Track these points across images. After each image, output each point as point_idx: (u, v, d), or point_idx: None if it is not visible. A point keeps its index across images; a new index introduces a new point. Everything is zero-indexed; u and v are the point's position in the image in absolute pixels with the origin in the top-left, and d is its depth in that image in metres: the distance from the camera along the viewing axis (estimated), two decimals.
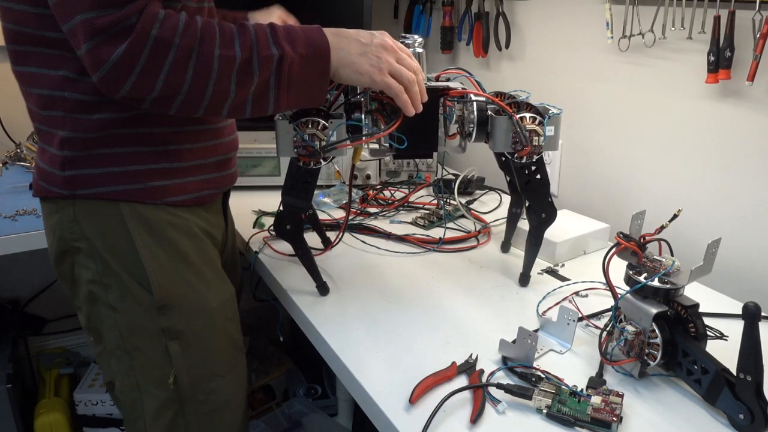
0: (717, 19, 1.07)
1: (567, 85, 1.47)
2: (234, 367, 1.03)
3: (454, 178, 1.50)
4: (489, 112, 0.99)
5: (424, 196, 1.55)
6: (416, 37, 1.03)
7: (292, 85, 0.85)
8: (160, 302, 0.93)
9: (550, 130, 0.99)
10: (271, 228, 1.21)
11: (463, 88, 1.01)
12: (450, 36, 1.82)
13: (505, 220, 1.23)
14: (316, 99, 0.90)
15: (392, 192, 1.55)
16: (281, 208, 1.03)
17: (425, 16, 1.93)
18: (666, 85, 1.23)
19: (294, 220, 1.03)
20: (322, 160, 0.99)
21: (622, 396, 0.78)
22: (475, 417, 0.76)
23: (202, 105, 0.83)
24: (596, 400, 0.77)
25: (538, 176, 1.03)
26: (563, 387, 0.80)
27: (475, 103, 0.99)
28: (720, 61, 1.08)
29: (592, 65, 1.39)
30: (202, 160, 0.98)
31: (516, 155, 1.00)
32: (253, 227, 1.34)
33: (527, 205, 1.06)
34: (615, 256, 0.86)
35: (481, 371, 0.85)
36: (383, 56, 0.89)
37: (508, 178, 1.17)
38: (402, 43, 1.02)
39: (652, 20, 1.20)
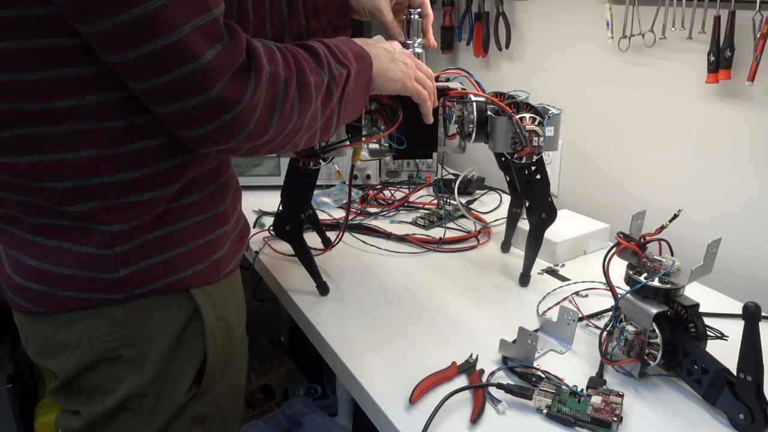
0: (717, 19, 1.07)
1: (567, 85, 1.47)
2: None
3: (454, 178, 1.50)
4: (489, 113, 1.00)
5: (424, 196, 1.55)
6: (415, 37, 1.03)
7: (349, 102, 0.80)
8: (205, 389, 0.79)
9: (549, 131, 0.99)
10: (271, 228, 1.21)
11: (462, 89, 1.01)
12: (450, 36, 1.82)
13: (505, 220, 1.23)
14: (359, 112, 0.87)
15: (392, 192, 1.55)
16: (281, 208, 1.03)
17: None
18: (666, 85, 1.23)
19: (294, 221, 1.03)
20: (321, 161, 0.99)
21: (622, 396, 0.78)
22: (475, 417, 0.76)
23: (293, 140, 0.73)
24: (596, 400, 0.77)
25: (538, 176, 1.03)
26: (563, 387, 0.80)
27: (474, 103, 0.99)
28: (720, 61, 1.08)
29: (592, 65, 1.39)
30: (236, 213, 0.85)
31: (516, 155, 1.00)
32: (253, 227, 1.34)
33: (527, 205, 1.06)
34: (615, 256, 0.86)
35: (481, 371, 0.85)
36: (409, 62, 0.88)
37: (508, 178, 1.17)
38: (400, 41, 1.03)
39: (652, 20, 1.20)
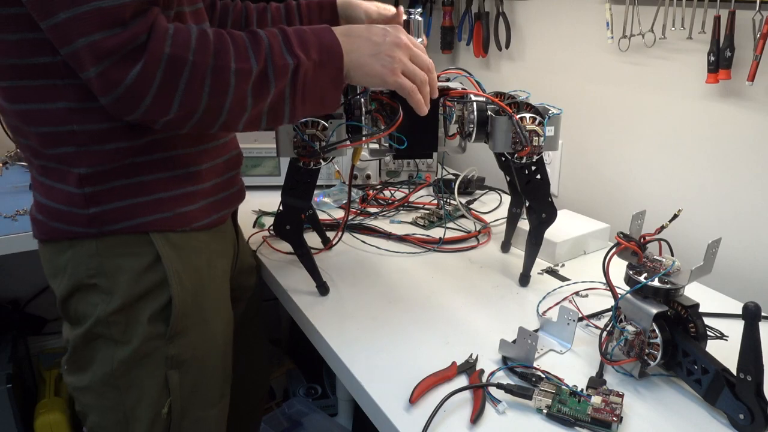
0: (717, 19, 1.07)
1: (567, 85, 1.47)
2: (223, 396, 1.00)
3: (454, 178, 1.50)
4: (489, 113, 0.99)
5: (424, 196, 1.55)
6: (415, 37, 1.03)
7: (306, 93, 0.82)
8: (174, 330, 0.88)
9: (549, 131, 0.99)
10: (271, 228, 1.21)
11: (462, 89, 1.01)
12: (450, 36, 1.82)
13: (505, 220, 1.23)
14: (331, 105, 0.86)
15: (392, 192, 1.55)
16: (281, 208, 1.03)
17: (425, 16, 1.93)
18: (666, 85, 1.23)
19: (294, 220, 1.03)
20: (322, 161, 0.99)
21: (622, 396, 0.78)
22: (475, 417, 0.76)
23: (218, 122, 0.78)
24: (596, 400, 0.77)
25: (538, 176, 1.03)
26: (563, 387, 0.80)
27: (475, 103, 0.99)
28: (720, 61, 1.08)
29: (592, 65, 1.39)
30: (217, 178, 0.95)
31: (516, 155, 1.00)
32: (253, 227, 1.34)
33: (527, 205, 1.06)
34: (615, 256, 0.86)
35: (481, 371, 0.85)
36: (396, 55, 0.85)
37: (508, 178, 1.17)
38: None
39: (652, 20, 1.20)
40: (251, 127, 0.83)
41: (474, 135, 1.00)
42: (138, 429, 0.91)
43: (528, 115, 0.99)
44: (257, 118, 0.81)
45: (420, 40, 1.04)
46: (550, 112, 1.00)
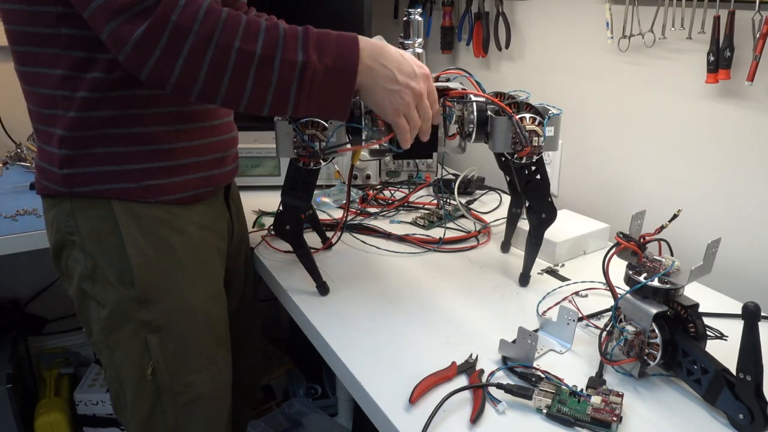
0: (717, 19, 1.07)
1: (567, 85, 1.47)
2: (215, 362, 1.03)
3: (454, 178, 1.50)
4: (489, 113, 0.99)
5: (424, 196, 1.55)
6: (415, 37, 1.03)
7: (313, 93, 0.84)
8: (142, 296, 0.94)
9: (549, 131, 0.99)
10: (271, 228, 1.21)
11: (462, 89, 1.01)
12: (450, 36, 1.82)
13: (505, 220, 1.23)
14: (338, 112, 0.87)
15: (392, 192, 1.55)
16: (281, 208, 1.03)
17: (425, 16, 1.93)
18: (666, 85, 1.23)
19: (293, 221, 1.03)
20: (321, 161, 0.99)
21: (622, 396, 0.78)
22: (475, 417, 0.76)
23: (218, 96, 0.82)
24: (596, 400, 0.77)
25: (538, 176, 1.03)
26: (563, 387, 0.80)
27: (474, 103, 0.99)
28: (720, 61, 1.08)
29: (592, 65, 1.39)
30: (198, 158, 0.98)
31: (516, 155, 1.00)
32: (253, 227, 1.34)
33: (527, 205, 1.06)
34: (615, 256, 0.86)
35: (481, 371, 0.85)
36: (408, 99, 0.87)
37: (508, 178, 1.17)
38: (401, 45, 1.03)
39: (652, 20, 1.20)
40: (254, 110, 0.85)
41: (474, 135, 1.00)
42: (128, 388, 0.99)
43: (528, 116, 0.99)
44: (260, 102, 0.84)
45: (420, 40, 1.04)
46: (550, 112, 1.00)
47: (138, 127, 0.92)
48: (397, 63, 0.87)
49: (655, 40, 1.21)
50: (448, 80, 1.06)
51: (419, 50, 1.03)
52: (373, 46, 0.86)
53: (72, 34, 0.86)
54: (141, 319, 0.95)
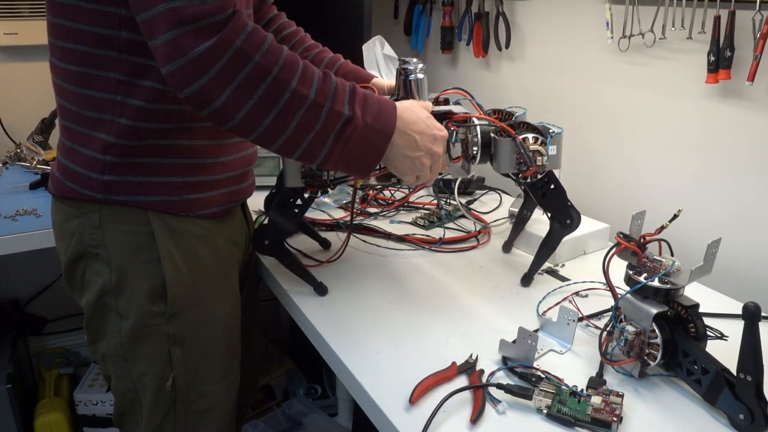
0: (717, 19, 1.07)
1: (567, 85, 1.47)
2: (229, 374, 1.04)
3: (454, 178, 1.50)
4: (492, 134, 1.00)
5: (424, 196, 1.54)
6: (417, 62, 1.03)
7: (347, 148, 0.84)
8: (173, 310, 0.94)
9: (552, 149, 0.99)
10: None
11: (465, 112, 1.01)
12: (450, 36, 1.82)
13: (508, 220, 1.23)
14: (364, 171, 0.89)
15: (392, 192, 1.55)
16: (266, 222, 1.03)
17: (425, 16, 1.93)
18: (666, 85, 1.23)
19: (274, 236, 1.03)
20: (329, 189, 0.99)
21: (622, 396, 0.78)
22: (475, 417, 0.76)
23: (257, 130, 0.80)
24: (596, 400, 0.77)
25: (552, 186, 1.03)
26: (563, 387, 0.80)
27: (478, 127, 0.99)
28: (720, 61, 1.08)
29: (592, 65, 1.39)
30: (230, 173, 0.99)
31: (521, 176, 1.00)
32: (255, 227, 1.34)
33: (549, 216, 1.06)
34: (615, 256, 0.86)
35: (481, 371, 0.85)
36: (425, 163, 0.91)
37: (523, 187, 1.16)
38: (403, 67, 1.02)
39: (652, 20, 1.20)
40: (284, 152, 0.84)
41: (478, 158, 1.00)
42: (145, 398, 0.97)
43: (530, 136, 0.99)
44: (294, 146, 0.82)
45: (422, 66, 1.03)
46: (551, 131, 1.00)
47: (184, 140, 0.91)
48: (421, 130, 0.90)
49: (656, 40, 1.21)
50: (447, 101, 1.06)
51: (421, 76, 1.03)
52: (408, 114, 0.89)
53: (132, 38, 0.83)
54: (167, 332, 0.94)
